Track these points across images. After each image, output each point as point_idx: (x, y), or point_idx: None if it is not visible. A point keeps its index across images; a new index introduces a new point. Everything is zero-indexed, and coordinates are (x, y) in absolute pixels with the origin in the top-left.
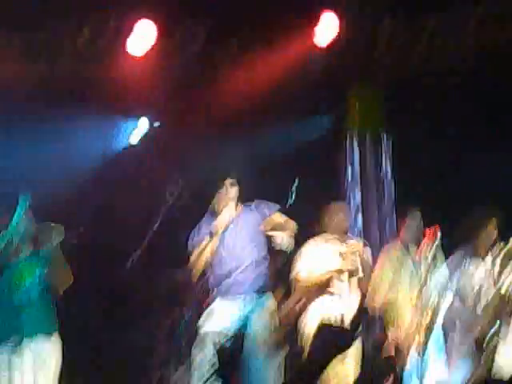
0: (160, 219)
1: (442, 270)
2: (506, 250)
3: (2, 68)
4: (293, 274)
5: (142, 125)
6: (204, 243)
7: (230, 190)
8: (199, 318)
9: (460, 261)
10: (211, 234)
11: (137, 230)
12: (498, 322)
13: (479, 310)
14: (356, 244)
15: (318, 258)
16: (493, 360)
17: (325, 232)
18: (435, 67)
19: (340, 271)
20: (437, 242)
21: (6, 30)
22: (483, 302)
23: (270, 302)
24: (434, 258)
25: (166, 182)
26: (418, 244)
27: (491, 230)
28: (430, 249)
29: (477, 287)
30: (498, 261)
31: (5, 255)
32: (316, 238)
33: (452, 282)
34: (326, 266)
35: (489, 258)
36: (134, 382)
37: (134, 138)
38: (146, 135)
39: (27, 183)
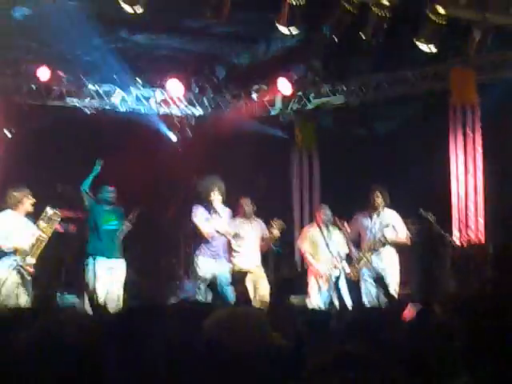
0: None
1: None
2: (381, 214)
3: None
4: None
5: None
6: (209, 219)
7: (218, 197)
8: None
9: (358, 218)
10: (211, 214)
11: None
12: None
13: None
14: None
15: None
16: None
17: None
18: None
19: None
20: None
21: None
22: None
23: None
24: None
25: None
26: (326, 225)
27: (374, 201)
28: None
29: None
30: (378, 218)
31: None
32: (238, 219)
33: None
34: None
35: (374, 216)
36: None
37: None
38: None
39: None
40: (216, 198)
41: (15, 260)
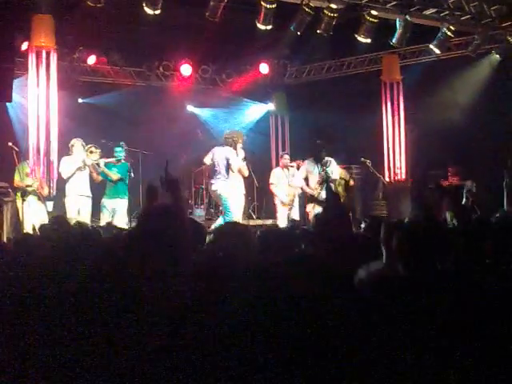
0: None
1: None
2: (325, 168)
3: None
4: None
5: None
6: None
7: None
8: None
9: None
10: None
11: None
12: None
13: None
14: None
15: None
16: None
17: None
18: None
19: None
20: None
21: None
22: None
23: None
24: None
25: None
26: (286, 167)
27: (320, 154)
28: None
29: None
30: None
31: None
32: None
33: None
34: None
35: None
36: None
37: None
38: None
39: None
40: None
41: None
